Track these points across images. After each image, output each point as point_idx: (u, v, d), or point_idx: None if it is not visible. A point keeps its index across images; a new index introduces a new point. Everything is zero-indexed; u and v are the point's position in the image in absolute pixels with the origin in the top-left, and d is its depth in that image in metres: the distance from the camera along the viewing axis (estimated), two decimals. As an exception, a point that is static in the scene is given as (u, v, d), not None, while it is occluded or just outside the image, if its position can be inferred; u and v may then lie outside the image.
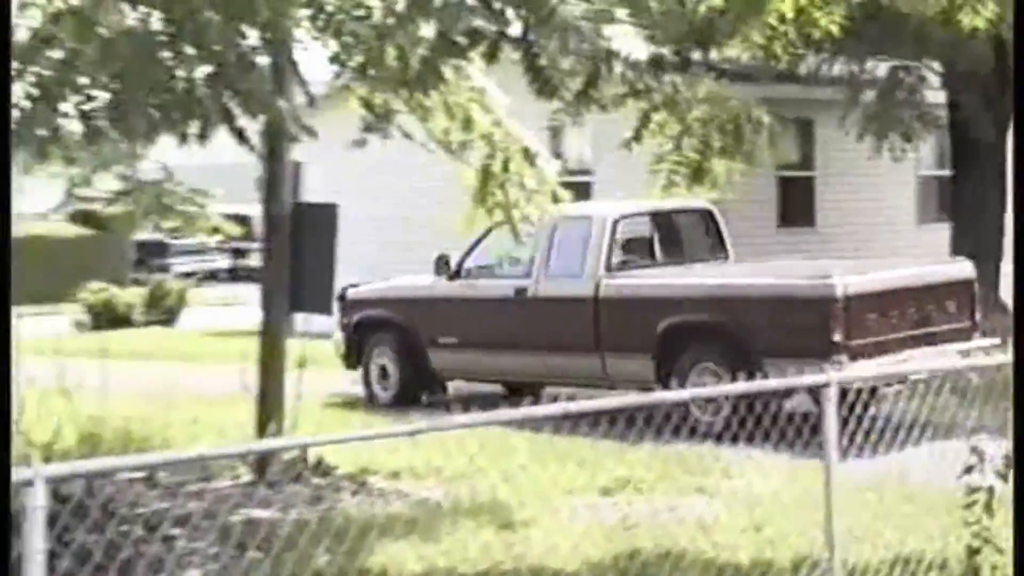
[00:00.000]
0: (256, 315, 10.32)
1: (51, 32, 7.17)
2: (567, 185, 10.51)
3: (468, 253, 13.97)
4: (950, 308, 12.28)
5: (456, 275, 13.99)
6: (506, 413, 4.97)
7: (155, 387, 13.62)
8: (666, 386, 11.94)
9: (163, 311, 25.64)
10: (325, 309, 10.72)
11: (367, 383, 14.36)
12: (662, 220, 13.99)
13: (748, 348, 11.65)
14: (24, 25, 8.63)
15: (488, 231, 13.69)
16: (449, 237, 13.12)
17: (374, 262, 18.03)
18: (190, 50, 7.28)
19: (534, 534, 7.77)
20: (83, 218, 34.54)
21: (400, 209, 19.85)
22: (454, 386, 14.45)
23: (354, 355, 14.44)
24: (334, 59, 7.68)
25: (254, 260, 30.93)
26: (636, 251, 13.73)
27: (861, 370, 10.34)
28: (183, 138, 7.64)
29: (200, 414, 12.26)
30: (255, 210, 13.58)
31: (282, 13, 7.24)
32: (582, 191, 17.58)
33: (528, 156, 9.70)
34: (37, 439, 9.52)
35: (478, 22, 7.25)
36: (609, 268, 13.03)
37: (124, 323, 24.13)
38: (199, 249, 37.71)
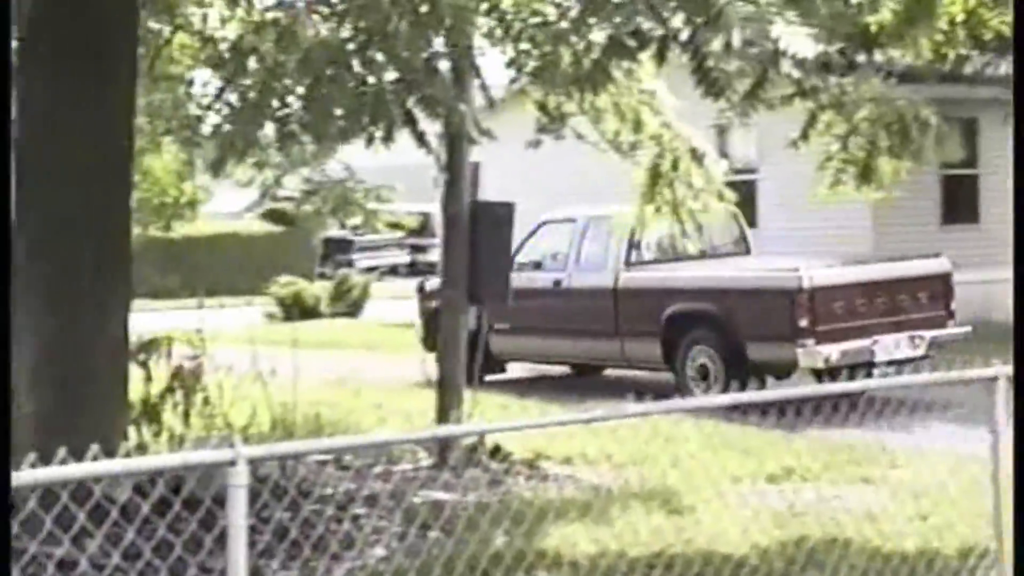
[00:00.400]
0: (435, 308, 10.75)
1: (253, 44, 7.62)
2: (732, 184, 10.79)
3: (519, 249, 14.87)
4: (923, 299, 13.25)
5: None
6: (678, 403, 5.17)
7: (341, 375, 14.12)
8: (671, 366, 13.42)
9: (348, 303, 26.26)
10: (502, 301, 11.12)
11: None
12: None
13: (734, 332, 13.07)
14: (222, 37, 9.18)
15: (537, 228, 14.88)
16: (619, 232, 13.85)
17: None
18: (379, 57, 7.53)
19: (703, 519, 7.82)
20: (273, 216, 35.56)
21: (572, 206, 20.15)
22: (532, 368, 15.59)
23: (431, 339, 15.09)
24: (511, 63, 7.96)
25: (433, 256, 31.51)
26: (661, 246, 14.69)
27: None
28: (370, 140, 7.90)
29: (384, 400, 12.54)
30: (434, 208, 14.07)
31: (465, 21, 7.54)
32: (747, 190, 17.71)
33: (696, 156, 9.86)
34: (235, 423, 9.93)
35: (647, 25, 7.44)
36: (628, 262, 14.31)
37: (311, 315, 24.60)
38: (381, 245, 38.52)
